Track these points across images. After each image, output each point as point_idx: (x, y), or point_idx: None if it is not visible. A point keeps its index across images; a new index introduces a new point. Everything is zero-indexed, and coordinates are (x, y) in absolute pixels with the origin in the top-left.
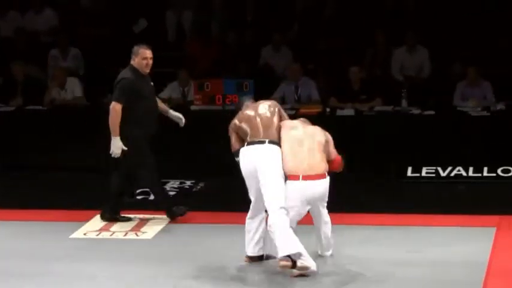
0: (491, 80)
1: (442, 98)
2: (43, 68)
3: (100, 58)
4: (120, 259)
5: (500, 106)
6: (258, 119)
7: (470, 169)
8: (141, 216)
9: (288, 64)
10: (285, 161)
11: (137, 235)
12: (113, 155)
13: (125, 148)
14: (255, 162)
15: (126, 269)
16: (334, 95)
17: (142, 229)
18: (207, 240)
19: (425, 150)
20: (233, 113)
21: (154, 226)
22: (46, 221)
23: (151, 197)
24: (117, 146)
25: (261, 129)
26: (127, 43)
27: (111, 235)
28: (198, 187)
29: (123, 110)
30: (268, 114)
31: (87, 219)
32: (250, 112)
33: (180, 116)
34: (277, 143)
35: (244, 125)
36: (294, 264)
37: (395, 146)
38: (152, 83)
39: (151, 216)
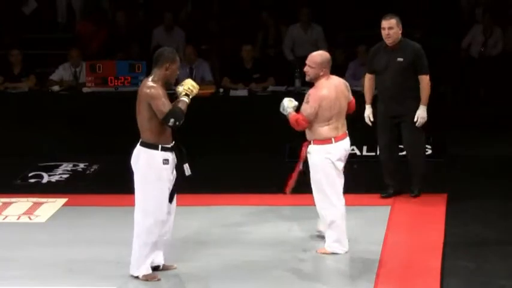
0: None
1: None
2: None
3: None
4: (11, 243)
5: None
6: None
7: (364, 148)
8: (35, 199)
9: (180, 45)
10: None
11: (30, 219)
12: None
13: None
14: None
15: (16, 253)
16: (227, 75)
17: (36, 212)
18: (101, 223)
19: None
20: (125, 95)
21: (48, 209)
22: None
23: (44, 180)
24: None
25: None
26: (17, 24)
27: (3, 219)
28: (92, 169)
29: None
30: None
31: None
32: None
33: None
34: None
35: None
36: None
37: (290, 126)
38: None
39: (45, 199)
